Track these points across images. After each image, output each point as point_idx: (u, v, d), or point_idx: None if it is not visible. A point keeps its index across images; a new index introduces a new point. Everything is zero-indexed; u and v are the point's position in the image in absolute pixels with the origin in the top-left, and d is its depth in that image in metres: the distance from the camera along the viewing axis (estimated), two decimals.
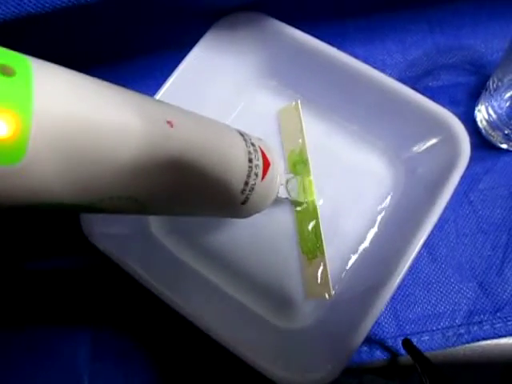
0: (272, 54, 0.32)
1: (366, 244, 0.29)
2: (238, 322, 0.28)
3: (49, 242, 0.33)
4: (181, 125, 0.19)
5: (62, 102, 0.14)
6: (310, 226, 0.30)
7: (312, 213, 0.30)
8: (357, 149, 0.31)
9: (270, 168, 0.24)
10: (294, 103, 0.32)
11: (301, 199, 0.30)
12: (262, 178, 0.24)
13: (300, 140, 0.31)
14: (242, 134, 0.24)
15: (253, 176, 0.23)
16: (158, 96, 0.29)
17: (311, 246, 0.29)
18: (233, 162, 0.22)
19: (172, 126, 0.19)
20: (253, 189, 0.23)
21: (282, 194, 0.27)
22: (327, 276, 0.29)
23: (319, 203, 0.30)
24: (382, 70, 0.28)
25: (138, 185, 0.18)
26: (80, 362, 0.31)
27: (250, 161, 0.23)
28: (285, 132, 0.32)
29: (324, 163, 0.31)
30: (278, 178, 0.26)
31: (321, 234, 0.29)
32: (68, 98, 0.15)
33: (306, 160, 0.31)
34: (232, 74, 0.32)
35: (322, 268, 0.29)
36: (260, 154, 0.24)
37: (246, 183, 0.23)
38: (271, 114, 0.33)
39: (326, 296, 0.28)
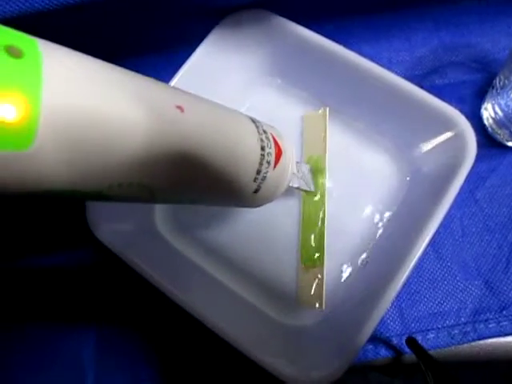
0: (277, 52, 0.31)
1: (371, 242, 0.29)
2: (244, 319, 0.28)
3: (54, 238, 0.33)
4: (191, 110, 0.19)
5: (71, 86, 0.14)
6: (313, 236, 0.30)
7: (320, 225, 0.30)
8: (362, 147, 0.31)
9: (282, 156, 0.24)
10: (321, 110, 0.32)
11: (311, 188, 0.29)
12: (274, 166, 0.23)
13: (321, 149, 0.31)
14: (253, 121, 0.23)
15: (265, 164, 0.22)
16: None
17: (311, 255, 0.29)
18: (245, 149, 0.22)
19: (182, 110, 0.18)
20: (265, 177, 0.23)
21: (294, 183, 0.27)
22: (322, 288, 0.28)
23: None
24: (388, 68, 0.28)
25: (147, 171, 0.17)
26: (85, 359, 0.31)
27: (263, 148, 0.22)
28: (307, 138, 0.32)
29: (329, 161, 0.31)
30: (290, 167, 0.25)
31: (324, 246, 0.29)
32: (78, 83, 0.14)
33: (324, 169, 0.31)
34: (237, 72, 0.32)
35: (317, 279, 0.29)
36: (272, 141, 0.23)
37: (258, 171, 0.22)
38: (276, 113, 0.33)
39: (317, 305, 0.28)
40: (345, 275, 0.29)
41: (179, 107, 0.18)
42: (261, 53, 0.32)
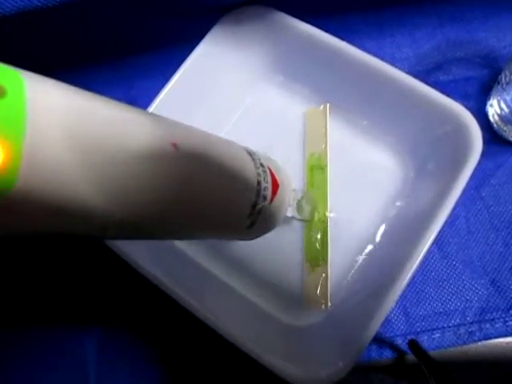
0: (279, 49, 0.31)
1: (375, 240, 0.29)
2: (247, 319, 0.27)
3: (57, 238, 0.33)
4: (186, 147, 0.18)
5: (58, 128, 0.13)
6: (317, 235, 0.29)
7: (321, 223, 0.30)
8: (366, 144, 0.31)
9: (279, 190, 0.23)
10: (322, 106, 0.32)
11: (309, 218, 0.29)
12: (271, 200, 0.22)
13: (323, 145, 0.31)
14: (250, 154, 0.23)
15: (261, 199, 0.22)
16: (164, 92, 0.29)
17: (316, 254, 0.29)
18: (241, 185, 0.21)
19: (177, 148, 0.17)
20: (260, 212, 0.22)
21: (290, 213, 0.26)
22: (326, 287, 0.28)
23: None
24: (392, 65, 0.28)
25: (136, 210, 0.16)
26: (87, 359, 0.31)
27: (259, 183, 0.22)
28: (309, 134, 0.32)
29: (332, 158, 0.31)
30: (287, 200, 0.24)
31: (327, 245, 0.29)
32: (66, 124, 0.13)
33: (325, 166, 0.30)
34: (239, 68, 0.32)
35: (322, 279, 0.28)
36: (269, 175, 0.23)
37: (254, 207, 0.21)
38: (278, 109, 0.33)
39: (323, 307, 0.28)
40: (348, 274, 0.29)
41: (173, 144, 0.17)
42: (262, 49, 0.31)
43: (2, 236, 0.14)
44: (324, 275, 0.28)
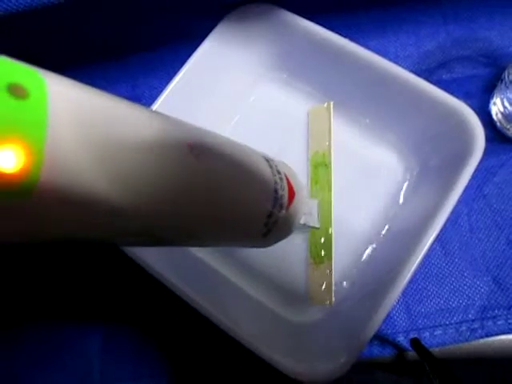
0: (283, 47, 0.31)
1: (378, 238, 0.29)
2: (250, 315, 0.28)
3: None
4: (206, 154, 0.18)
5: (78, 129, 0.13)
6: (322, 233, 0.29)
7: (326, 221, 0.30)
8: (369, 142, 0.31)
9: (295, 198, 0.22)
10: (326, 104, 0.32)
11: (318, 225, 0.29)
12: (287, 208, 0.22)
13: (327, 143, 0.31)
14: (267, 160, 0.22)
15: (277, 207, 0.21)
16: (169, 89, 0.29)
17: (320, 251, 0.29)
18: (258, 193, 0.21)
19: (197, 156, 0.17)
20: (276, 221, 0.21)
21: (302, 220, 0.26)
22: (330, 284, 0.28)
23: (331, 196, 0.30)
24: (395, 63, 0.28)
25: (155, 218, 0.16)
26: (91, 355, 0.31)
27: (276, 191, 0.21)
28: (313, 132, 0.32)
29: (335, 156, 0.31)
30: (302, 208, 0.24)
31: (331, 242, 0.29)
32: (86, 124, 0.13)
33: (329, 163, 0.31)
34: (243, 66, 0.32)
35: (326, 275, 0.29)
36: (285, 182, 0.22)
37: (270, 215, 0.21)
38: (282, 108, 0.33)
39: (327, 303, 0.28)
40: (351, 271, 0.29)
41: (193, 152, 0.17)
42: (267, 47, 0.32)
43: (27, 242, 0.13)
44: (328, 272, 0.29)
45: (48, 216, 0.13)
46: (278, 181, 0.22)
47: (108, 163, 0.13)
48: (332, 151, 0.31)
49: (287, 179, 0.22)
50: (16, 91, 0.11)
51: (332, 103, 0.32)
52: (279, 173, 0.22)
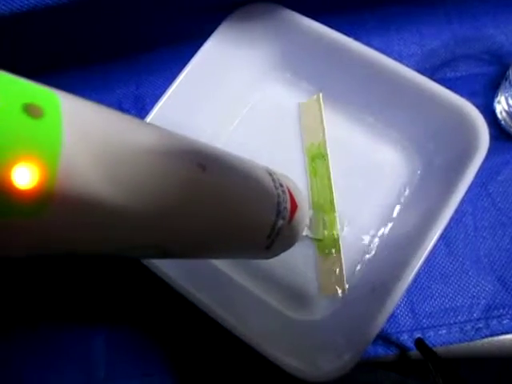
0: (287, 46, 0.31)
1: (381, 236, 0.29)
2: (254, 313, 0.28)
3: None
4: (213, 168, 0.18)
5: (90, 149, 0.13)
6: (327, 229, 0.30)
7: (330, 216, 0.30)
8: (373, 141, 0.31)
9: (297, 210, 0.23)
10: (315, 96, 0.32)
11: (321, 237, 0.29)
12: (289, 221, 0.22)
13: (320, 134, 0.31)
14: (270, 174, 0.23)
15: (280, 220, 0.21)
16: (172, 89, 0.29)
17: (327, 243, 0.29)
18: (261, 207, 0.21)
19: (204, 169, 0.17)
20: (279, 233, 0.21)
21: (305, 232, 0.26)
22: (342, 272, 0.28)
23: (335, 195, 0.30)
24: (399, 62, 0.28)
25: (164, 232, 0.16)
26: (95, 354, 0.31)
27: (279, 204, 0.21)
28: (305, 125, 0.32)
29: (339, 155, 0.31)
30: (305, 220, 0.24)
31: (338, 235, 0.29)
32: (98, 143, 0.13)
33: (326, 154, 0.31)
34: (246, 65, 0.32)
35: (336, 265, 0.29)
36: (288, 195, 0.22)
37: (273, 228, 0.21)
38: (285, 107, 0.33)
39: (339, 292, 0.28)
40: (354, 269, 0.29)
41: (201, 165, 0.17)
42: (270, 46, 0.32)
43: (40, 255, 0.14)
44: (338, 262, 0.29)
45: (60, 231, 0.13)
46: (281, 194, 0.22)
47: (117, 178, 0.14)
48: (327, 141, 0.31)
49: (289, 192, 0.23)
50: (32, 111, 0.11)
51: (321, 94, 0.32)
52: (281, 186, 0.22)
